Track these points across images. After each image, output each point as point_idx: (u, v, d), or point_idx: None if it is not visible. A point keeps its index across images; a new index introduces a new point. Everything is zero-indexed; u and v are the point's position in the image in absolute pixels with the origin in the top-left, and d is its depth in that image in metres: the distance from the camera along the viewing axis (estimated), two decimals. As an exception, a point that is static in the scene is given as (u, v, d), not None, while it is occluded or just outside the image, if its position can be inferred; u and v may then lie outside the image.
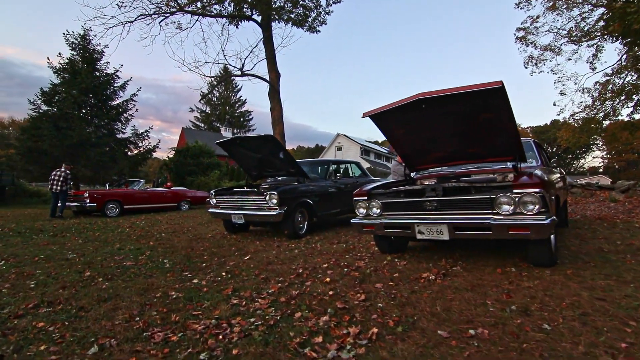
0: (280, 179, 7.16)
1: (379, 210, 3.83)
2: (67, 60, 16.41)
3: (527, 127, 70.24)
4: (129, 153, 17.64)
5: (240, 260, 4.30)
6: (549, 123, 63.60)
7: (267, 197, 5.48)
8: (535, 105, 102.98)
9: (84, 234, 6.76)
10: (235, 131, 44.74)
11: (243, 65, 13.50)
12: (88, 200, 10.10)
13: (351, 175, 7.80)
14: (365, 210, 3.95)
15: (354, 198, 4.06)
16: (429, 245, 4.68)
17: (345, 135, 39.57)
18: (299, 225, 5.86)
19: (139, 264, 4.14)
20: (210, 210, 6.36)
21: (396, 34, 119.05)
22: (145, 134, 17.58)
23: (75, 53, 16.61)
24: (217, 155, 22.06)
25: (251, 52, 13.91)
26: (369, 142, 45.69)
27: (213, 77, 12.53)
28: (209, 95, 47.43)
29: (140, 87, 17.23)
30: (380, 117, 3.85)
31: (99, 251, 5.02)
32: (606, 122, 21.12)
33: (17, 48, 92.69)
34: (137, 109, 17.79)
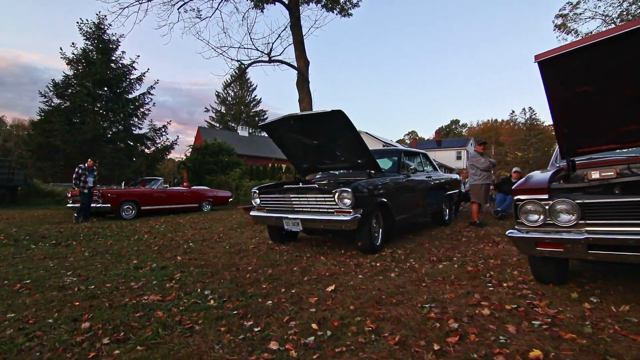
0: (337, 172, 5.64)
1: (573, 217, 2.26)
2: (80, 51, 15.29)
3: (549, 125, 67.01)
4: (146, 150, 16.42)
5: (321, 293, 2.77)
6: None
7: (337, 196, 3.96)
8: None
9: (93, 243, 5.38)
10: (251, 131, 43.59)
11: (271, 50, 12.04)
12: (101, 201, 8.80)
13: (422, 169, 6.22)
14: (541, 217, 2.38)
15: (517, 197, 2.50)
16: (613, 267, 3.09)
17: (366, 132, 37.89)
18: (374, 234, 4.32)
19: (167, 299, 2.67)
20: (252, 213, 4.89)
21: (435, 28, 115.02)
22: (164, 129, 16.34)
23: (89, 43, 15.49)
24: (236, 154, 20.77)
25: (279, 36, 12.43)
26: (391, 141, 43.89)
27: (240, 60, 11.11)
28: (225, 93, 46.86)
29: (158, 80, 16.01)
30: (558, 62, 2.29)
31: (110, 272, 3.58)
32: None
33: (42, 54, 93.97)
34: (154, 103, 16.60)
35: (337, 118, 4.14)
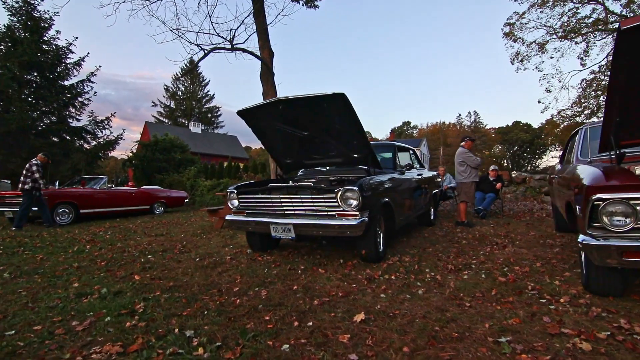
0: (325, 169, 4.96)
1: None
2: (4, 28, 13.01)
3: (491, 128, 72.32)
4: (86, 145, 14.44)
5: (350, 326, 2.08)
6: (510, 124, 65.35)
7: (341, 196, 3.29)
8: (498, 105, 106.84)
9: (17, 258, 4.18)
10: (204, 127, 41.22)
11: (233, 37, 10.99)
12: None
13: (413, 166, 5.74)
14: (630, 220, 1.91)
15: (597, 196, 2.00)
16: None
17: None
18: (378, 241, 3.72)
19: (130, 350, 1.82)
20: (229, 217, 4.04)
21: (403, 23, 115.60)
22: (107, 122, 14.47)
23: (15, 20, 13.22)
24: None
25: (242, 22, 11.44)
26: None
27: (200, 45, 9.94)
28: (175, 87, 43.90)
29: (100, 67, 14.06)
30: None
31: (40, 303, 2.59)
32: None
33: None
34: (95, 92, 14.61)
35: (338, 103, 3.46)
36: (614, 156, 2.69)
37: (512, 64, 19.47)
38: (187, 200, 11.88)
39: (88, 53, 14.23)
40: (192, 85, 44.68)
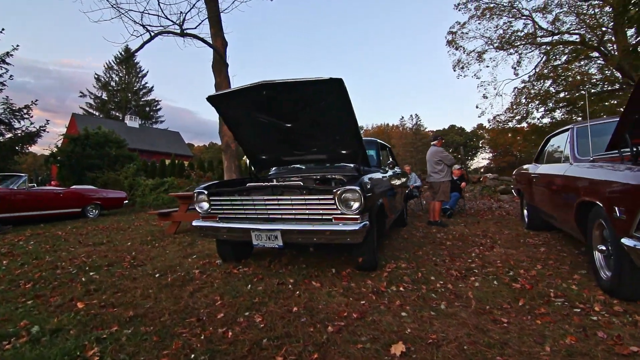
0: (303, 167, 4.47)
1: None
2: None
3: (430, 131, 76.93)
4: (-2, 138, 12.24)
5: (389, 361, 1.65)
6: (447, 127, 70.01)
7: (340, 197, 2.84)
8: (437, 109, 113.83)
9: None
10: (142, 122, 37.87)
11: (183, 21, 9.95)
12: None
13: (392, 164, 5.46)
14: None
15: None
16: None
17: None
18: (376, 246, 3.33)
19: None
20: (197, 223, 3.37)
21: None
22: (25, 111, 12.38)
23: None
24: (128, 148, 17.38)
25: (194, 5, 10.40)
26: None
27: (146, 26, 8.76)
28: (108, 77, 39.78)
29: (18, 46, 11.83)
30: None
31: None
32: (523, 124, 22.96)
33: None
34: (11, 76, 12.41)
35: (333, 90, 3.00)
36: (627, 154, 2.59)
37: (454, 71, 20.52)
38: (126, 201, 10.55)
39: (3, 29, 12.00)
40: (128, 75, 40.97)
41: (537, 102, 20.79)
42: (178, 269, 3.48)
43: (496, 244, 4.29)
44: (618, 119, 2.57)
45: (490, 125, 25.04)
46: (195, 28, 17.32)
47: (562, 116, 20.45)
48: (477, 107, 24.59)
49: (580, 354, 1.66)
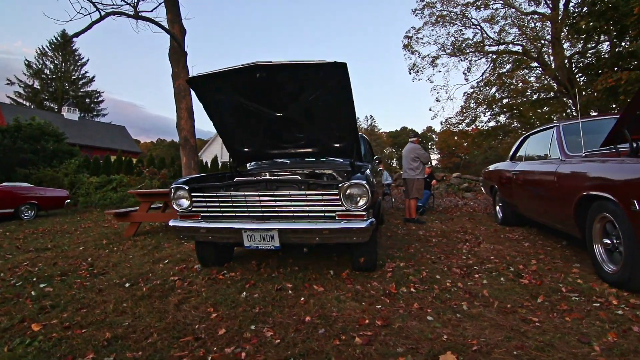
0: (287, 161, 4.16)
1: None
2: None
3: (383, 132, 79.46)
4: None
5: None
6: (399, 129, 72.77)
7: (346, 193, 2.60)
8: (391, 111, 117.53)
9: None
10: (81, 114, 34.46)
11: (137, 2, 9.09)
12: None
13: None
14: None
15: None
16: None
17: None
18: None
19: None
20: (175, 223, 2.93)
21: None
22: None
23: None
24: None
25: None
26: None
27: (96, 2, 7.76)
28: (41, 64, 35.70)
29: None
30: None
31: None
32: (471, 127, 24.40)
33: None
34: None
35: (335, 76, 2.76)
36: (624, 150, 2.66)
37: (410, 74, 21.19)
38: (68, 200, 9.42)
39: None
40: (65, 63, 37.21)
41: (484, 106, 22.10)
42: (151, 277, 3.01)
43: (481, 240, 4.31)
44: (610, 117, 2.62)
45: (442, 128, 26.25)
46: (151, 11, 16.14)
47: (507, 120, 22.05)
48: (430, 109, 25.71)
49: (632, 352, 1.57)
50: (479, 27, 20.39)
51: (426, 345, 1.70)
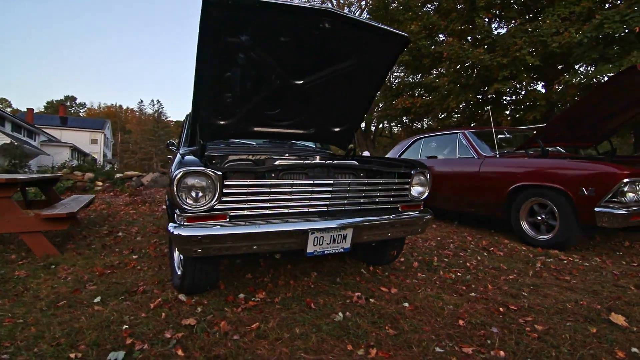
0: (250, 143, 3.31)
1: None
2: None
3: (171, 120, 73.66)
4: None
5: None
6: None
7: (414, 180, 2.43)
8: (181, 99, 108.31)
9: None
10: None
11: None
12: None
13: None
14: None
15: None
16: None
17: None
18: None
19: None
20: (195, 233, 1.78)
21: None
22: None
23: None
24: None
25: None
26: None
27: None
28: None
29: None
30: None
31: None
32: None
33: None
34: None
35: (390, 50, 2.47)
36: (531, 152, 3.82)
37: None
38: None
39: None
40: None
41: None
42: (124, 295, 1.76)
43: (444, 227, 4.62)
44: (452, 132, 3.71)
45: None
46: None
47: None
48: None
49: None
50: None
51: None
